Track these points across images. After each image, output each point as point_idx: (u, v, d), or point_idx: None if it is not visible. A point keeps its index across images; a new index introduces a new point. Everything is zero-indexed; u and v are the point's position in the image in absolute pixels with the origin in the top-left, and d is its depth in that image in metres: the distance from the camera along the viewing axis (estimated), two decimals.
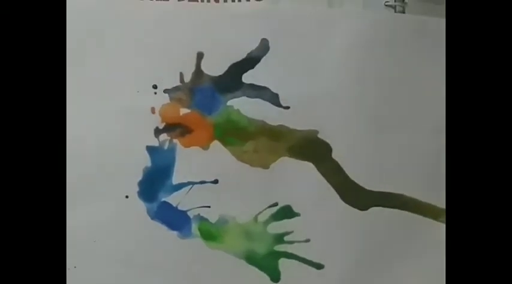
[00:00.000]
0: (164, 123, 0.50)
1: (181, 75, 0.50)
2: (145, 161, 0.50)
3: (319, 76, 0.49)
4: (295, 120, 0.49)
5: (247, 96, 0.50)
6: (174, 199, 0.50)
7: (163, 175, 0.50)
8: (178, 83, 0.50)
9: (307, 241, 0.50)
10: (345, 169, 0.50)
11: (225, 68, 0.49)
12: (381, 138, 0.49)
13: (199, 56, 0.49)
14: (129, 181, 0.50)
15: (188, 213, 0.50)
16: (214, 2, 0.50)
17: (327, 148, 0.50)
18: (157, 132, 0.50)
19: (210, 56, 0.49)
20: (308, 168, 0.50)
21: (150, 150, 0.50)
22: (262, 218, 0.50)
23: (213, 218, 0.50)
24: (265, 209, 0.50)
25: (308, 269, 0.50)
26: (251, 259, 0.50)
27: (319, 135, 0.50)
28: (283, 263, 0.50)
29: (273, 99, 0.49)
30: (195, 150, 0.50)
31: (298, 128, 0.50)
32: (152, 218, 0.50)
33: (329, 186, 0.50)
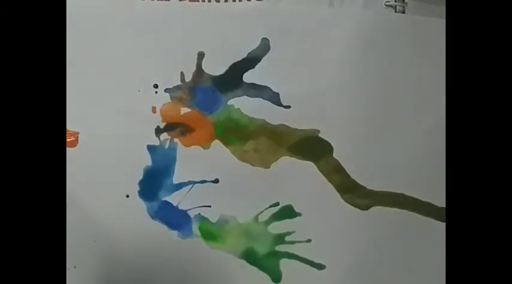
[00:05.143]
0: (165, 123, 0.50)
1: (182, 74, 0.50)
2: (146, 160, 0.50)
3: (319, 75, 0.49)
4: (296, 120, 0.49)
5: (248, 96, 0.50)
6: (174, 198, 0.50)
7: (164, 174, 0.50)
8: (179, 82, 0.50)
9: (309, 241, 0.50)
10: (346, 168, 0.50)
11: (226, 68, 0.49)
12: (382, 138, 0.49)
13: (200, 56, 0.49)
14: (130, 181, 0.50)
15: (189, 213, 0.50)
16: (215, 2, 0.50)
17: (328, 148, 0.50)
18: (158, 131, 0.50)
19: (210, 56, 0.49)
20: (309, 168, 0.50)
21: (151, 149, 0.50)
22: (263, 218, 0.50)
23: (213, 218, 0.50)
24: (266, 209, 0.50)
25: (309, 269, 0.50)
26: (252, 259, 0.50)
27: (320, 134, 0.49)
28: (284, 264, 0.50)
29: (274, 98, 0.49)
30: (196, 149, 0.50)
31: (299, 127, 0.49)
32: (153, 218, 0.50)
33: (330, 185, 0.50)
